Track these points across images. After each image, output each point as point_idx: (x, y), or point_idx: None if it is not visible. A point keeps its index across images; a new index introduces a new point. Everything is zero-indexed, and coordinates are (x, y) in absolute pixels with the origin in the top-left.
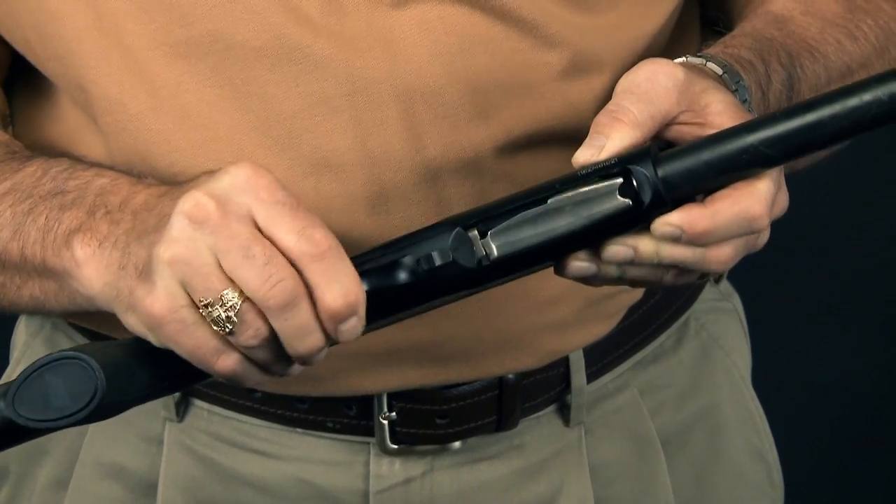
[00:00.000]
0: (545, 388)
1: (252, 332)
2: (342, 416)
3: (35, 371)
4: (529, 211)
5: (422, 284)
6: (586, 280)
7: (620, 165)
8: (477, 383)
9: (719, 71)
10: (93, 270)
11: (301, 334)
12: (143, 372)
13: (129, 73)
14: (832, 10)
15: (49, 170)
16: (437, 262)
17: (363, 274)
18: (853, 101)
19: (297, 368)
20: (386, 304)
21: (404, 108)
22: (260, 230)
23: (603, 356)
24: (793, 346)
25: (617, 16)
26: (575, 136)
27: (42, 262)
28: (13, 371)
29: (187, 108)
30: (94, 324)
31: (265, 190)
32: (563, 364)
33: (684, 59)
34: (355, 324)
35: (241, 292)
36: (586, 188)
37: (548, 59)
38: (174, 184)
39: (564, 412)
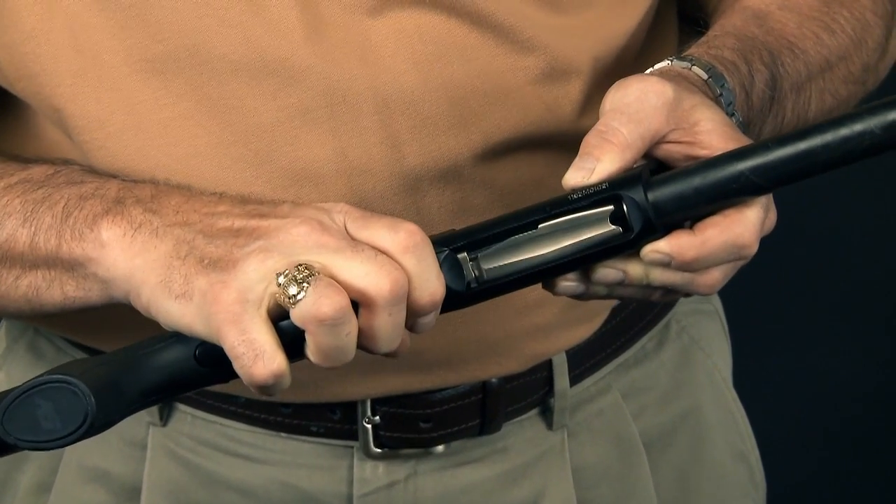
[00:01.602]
0: (528, 392)
1: (329, 300)
2: (326, 420)
3: (24, 393)
4: (519, 235)
5: None
6: (574, 297)
7: (611, 191)
8: (461, 387)
9: (704, 75)
10: (119, 252)
11: (398, 331)
12: (131, 389)
13: (106, 91)
14: (808, 3)
15: (60, 169)
16: None
17: None
18: (844, 132)
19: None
20: None
21: (383, 117)
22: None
23: (585, 359)
24: (779, 347)
25: (592, 15)
26: (554, 140)
27: (56, 247)
28: None
29: (166, 124)
30: (78, 336)
31: (353, 210)
32: (547, 367)
33: (669, 61)
34: (432, 319)
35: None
36: (577, 214)
37: (525, 63)
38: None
39: (547, 415)
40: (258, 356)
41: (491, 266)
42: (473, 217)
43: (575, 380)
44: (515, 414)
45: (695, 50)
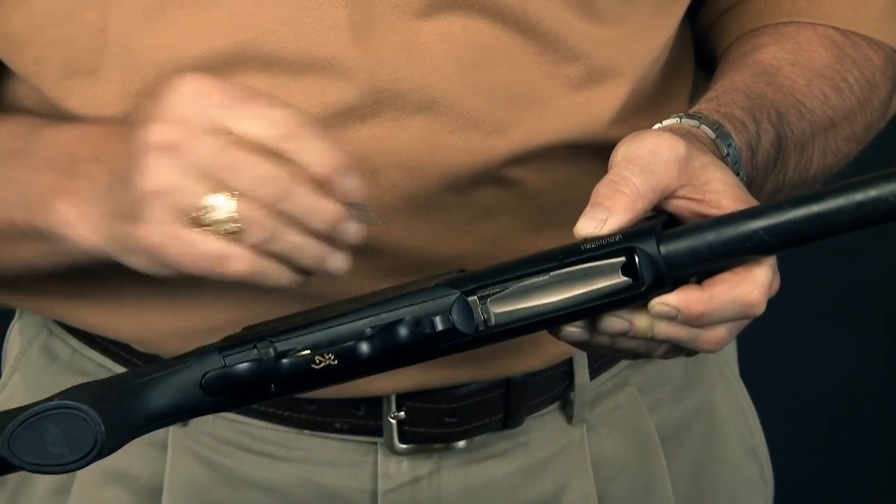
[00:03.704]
0: (550, 386)
1: (260, 225)
2: (350, 416)
3: (33, 417)
4: (530, 281)
5: (419, 345)
6: (575, 344)
7: (625, 243)
8: (485, 381)
9: (712, 135)
10: (84, 227)
11: (313, 211)
12: (138, 415)
13: (155, 89)
14: (822, 59)
15: (14, 129)
16: (439, 327)
17: (364, 331)
18: (859, 197)
19: (336, 261)
20: (382, 359)
21: (425, 117)
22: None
23: (604, 354)
24: (781, 346)
25: (629, 29)
26: (590, 146)
27: (31, 225)
28: (8, 380)
29: None
30: (91, 326)
31: (216, 93)
32: (567, 362)
33: (678, 119)
34: (353, 184)
35: (228, 191)
36: (589, 264)
37: (566, 72)
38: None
39: (567, 410)
40: (221, 259)
41: (500, 311)
42: (505, 215)
43: (593, 374)
44: (537, 408)
45: (704, 106)
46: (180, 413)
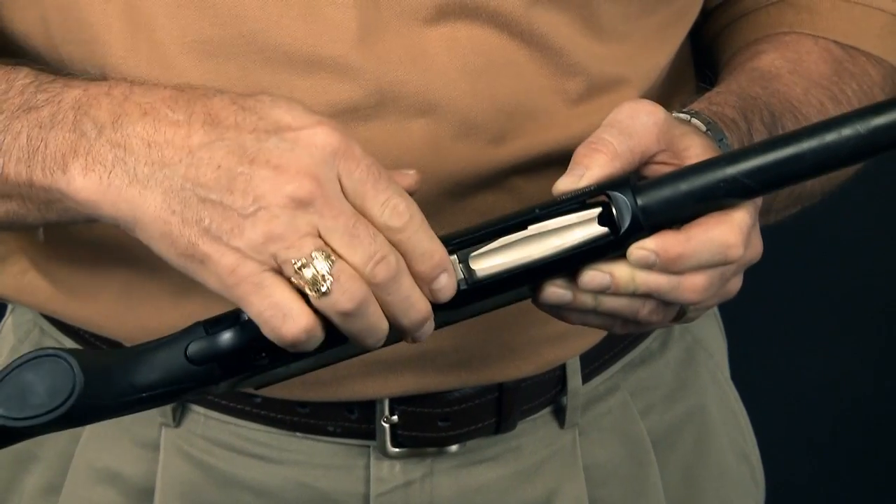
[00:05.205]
0: (543, 391)
1: (349, 294)
2: (343, 419)
3: (14, 369)
4: (509, 236)
5: None
6: (561, 310)
7: (600, 192)
8: (478, 386)
9: (703, 128)
10: (99, 198)
11: (408, 304)
12: (122, 378)
13: (157, 69)
14: (819, 70)
15: (14, 81)
16: None
17: None
18: (832, 136)
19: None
20: None
21: (428, 122)
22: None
23: (596, 358)
24: (774, 348)
25: (633, 45)
26: None
27: (28, 180)
28: None
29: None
30: (83, 322)
31: (355, 162)
32: (560, 367)
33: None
34: (446, 281)
35: (332, 252)
36: (566, 215)
37: (566, 86)
38: (190, 89)
39: (559, 414)
40: (286, 316)
41: (480, 267)
42: None
43: (585, 378)
44: (529, 413)
45: (696, 105)
46: (167, 384)
